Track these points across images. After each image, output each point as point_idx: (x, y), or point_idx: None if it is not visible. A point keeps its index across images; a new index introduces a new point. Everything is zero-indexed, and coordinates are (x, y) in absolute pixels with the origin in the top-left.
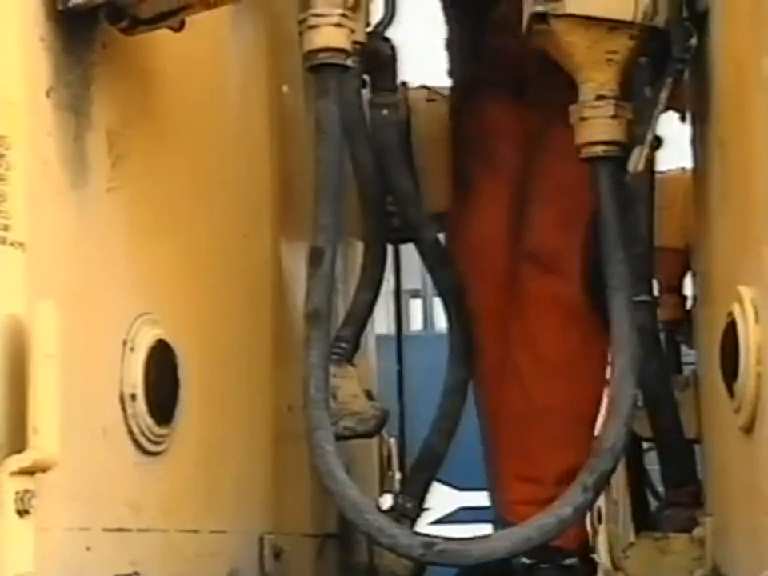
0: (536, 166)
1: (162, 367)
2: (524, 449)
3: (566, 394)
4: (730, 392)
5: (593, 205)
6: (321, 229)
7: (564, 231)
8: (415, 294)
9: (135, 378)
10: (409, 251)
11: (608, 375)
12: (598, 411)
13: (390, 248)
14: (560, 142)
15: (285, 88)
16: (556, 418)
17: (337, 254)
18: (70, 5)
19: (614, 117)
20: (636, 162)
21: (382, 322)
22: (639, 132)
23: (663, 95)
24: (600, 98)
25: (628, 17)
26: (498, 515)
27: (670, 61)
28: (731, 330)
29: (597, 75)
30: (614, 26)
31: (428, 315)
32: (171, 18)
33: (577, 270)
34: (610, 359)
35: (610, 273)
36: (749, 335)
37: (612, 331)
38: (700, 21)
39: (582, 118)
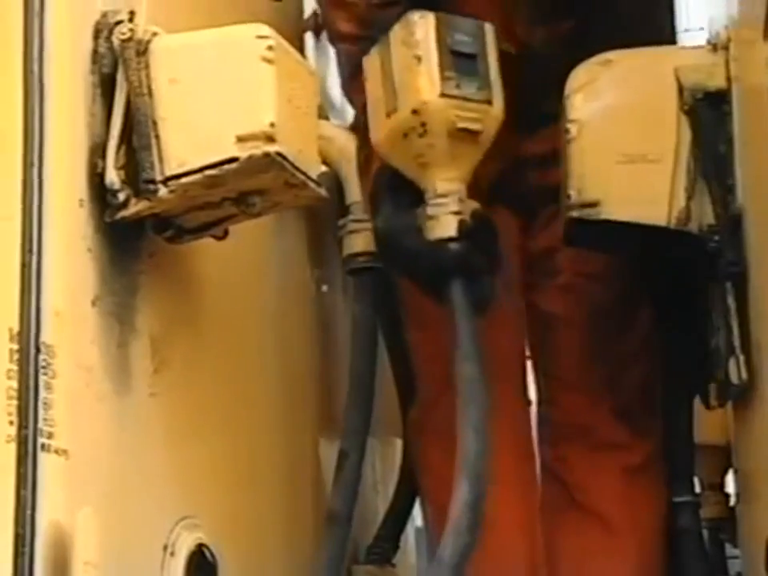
0: None
1: (202, 572)
2: None
3: None
4: None
5: None
6: (348, 433)
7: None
8: None
9: None
10: None
11: None
12: None
13: None
14: None
15: (325, 288)
16: None
17: (363, 458)
18: (117, 217)
19: None
20: None
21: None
22: None
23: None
24: None
25: (662, 221)
26: None
27: (722, 269)
28: None
29: None
30: None
31: None
32: (215, 227)
33: None
34: None
35: None
36: None
37: None
38: (734, 224)
39: None
